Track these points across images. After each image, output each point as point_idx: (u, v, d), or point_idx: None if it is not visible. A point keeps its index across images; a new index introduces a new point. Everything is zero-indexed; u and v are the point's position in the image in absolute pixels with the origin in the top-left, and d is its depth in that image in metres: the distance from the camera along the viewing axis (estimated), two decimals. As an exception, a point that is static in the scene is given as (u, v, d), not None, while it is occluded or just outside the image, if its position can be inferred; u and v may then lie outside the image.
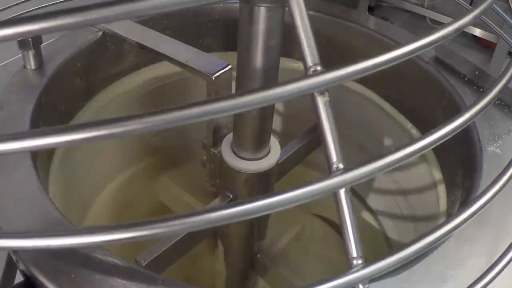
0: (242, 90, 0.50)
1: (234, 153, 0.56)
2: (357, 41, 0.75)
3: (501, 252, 0.34)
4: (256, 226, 0.65)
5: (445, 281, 0.42)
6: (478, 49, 2.25)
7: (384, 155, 0.25)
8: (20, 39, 0.56)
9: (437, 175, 0.64)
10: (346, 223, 0.24)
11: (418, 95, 0.71)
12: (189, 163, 0.87)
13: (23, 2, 0.62)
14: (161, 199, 0.81)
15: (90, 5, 0.20)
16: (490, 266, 0.33)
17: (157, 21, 0.73)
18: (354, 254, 0.24)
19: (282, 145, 0.60)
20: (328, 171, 0.24)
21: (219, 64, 0.55)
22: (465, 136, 0.59)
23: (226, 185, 0.60)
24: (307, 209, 0.82)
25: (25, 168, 0.49)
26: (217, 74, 0.54)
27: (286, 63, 0.78)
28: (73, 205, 0.66)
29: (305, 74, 0.24)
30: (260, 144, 0.55)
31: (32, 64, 0.60)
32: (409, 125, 0.71)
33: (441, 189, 0.62)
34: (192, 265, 0.82)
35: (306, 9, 0.24)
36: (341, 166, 0.24)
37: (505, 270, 0.33)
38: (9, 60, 1.28)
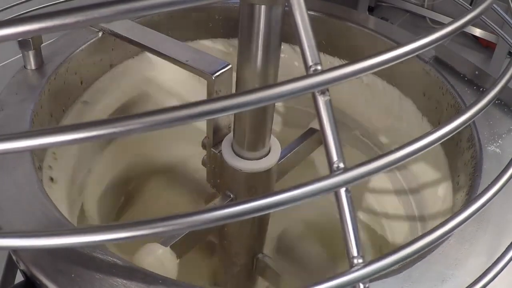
0: (242, 89, 0.51)
1: (235, 152, 0.56)
2: (357, 41, 0.75)
3: (501, 252, 0.34)
4: (256, 226, 0.65)
5: (445, 280, 0.42)
6: (478, 49, 2.25)
7: (385, 154, 0.25)
8: (20, 39, 0.57)
9: (441, 174, 0.64)
10: (346, 223, 0.24)
11: (417, 94, 0.71)
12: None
13: (23, 2, 0.62)
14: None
15: (90, 5, 0.20)
16: (490, 266, 0.33)
17: (157, 21, 0.73)
18: (355, 253, 0.24)
19: (283, 145, 0.60)
20: (329, 170, 0.24)
21: (219, 64, 0.55)
22: (465, 136, 0.59)
23: (226, 185, 0.60)
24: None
25: (25, 168, 0.49)
26: (217, 74, 0.54)
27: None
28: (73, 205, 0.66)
29: (305, 74, 0.24)
30: (260, 143, 0.55)
31: (32, 64, 0.60)
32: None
33: (445, 188, 0.62)
34: (192, 265, 0.82)
35: (306, 9, 0.24)
36: (341, 165, 0.24)
37: (505, 270, 0.33)
38: (9, 60, 1.28)
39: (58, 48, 0.65)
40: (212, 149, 0.60)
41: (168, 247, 0.54)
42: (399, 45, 0.25)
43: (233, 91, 0.57)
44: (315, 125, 0.73)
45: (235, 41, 0.79)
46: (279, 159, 0.58)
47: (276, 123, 0.84)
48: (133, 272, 0.39)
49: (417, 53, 0.25)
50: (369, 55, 0.24)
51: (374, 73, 0.75)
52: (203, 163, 0.64)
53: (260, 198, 0.23)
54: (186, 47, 0.59)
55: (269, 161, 0.56)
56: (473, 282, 0.31)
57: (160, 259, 0.53)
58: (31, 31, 0.20)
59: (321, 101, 0.24)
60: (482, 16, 0.29)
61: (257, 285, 0.73)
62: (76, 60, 0.65)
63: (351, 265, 0.24)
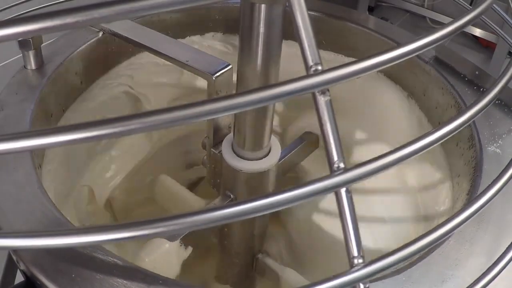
0: (243, 90, 0.51)
1: (235, 153, 0.56)
2: (357, 41, 0.75)
3: (501, 252, 0.34)
4: (256, 226, 0.65)
5: (445, 281, 0.42)
6: (478, 49, 2.25)
7: (385, 154, 0.25)
8: (20, 39, 0.56)
9: (441, 174, 0.64)
10: (346, 223, 0.24)
11: (418, 94, 0.71)
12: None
13: (23, 2, 0.62)
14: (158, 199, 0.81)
15: (90, 5, 0.20)
16: (490, 266, 0.33)
17: (157, 21, 0.73)
18: (355, 253, 0.24)
19: (283, 145, 0.60)
20: (329, 170, 0.24)
21: (220, 64, 0.55)
22: (465, 136, 0.59)
23: (226, 185, 0.60)
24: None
25: (25, 168, 0.49)
26: (217, 74, 0.54)
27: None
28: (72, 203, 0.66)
29: (306, 74, 0.24)
30: (260, 144, 0.55)
31: (32, 64, 0.60)
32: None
33: (445, 188, 0.62)
34: (192, 265, 0.82)
35: (306, 8, 0.24)
36: (342, 165, 0.24)
37: (505, 270, 0.33)
38: (9, 60, 1.28)
39: (58, 48, 0.65)
40: (212, 149, 0.60)
41: (179, 240, 0.54)
42: (399, 45, 0.25)
43: (234, 91, 0.57)
44: (310, 128, 0.73)
45: (235, 41, 0.79)
46: (280, 159, 0.58)
47: (276, 123, 0.84)
48: (133, 272, 0.39)
49: (417, 53, 0.25)
50: (369, 55, 0.24)
51: (379, 72, 0.75)
52: (203, 163, 0.64)
53: (260, 198, 0.23)
54: (187, 47, 0.60)
55: (269, 162, 0.56)
56: (473, 282, 0.31)
57: (168, 253, 0.53)
58: (31, 31, 0.20)
59: (322, 101, 0.24)
60: (482, 16, 0.29)
61: (257, 286, 0.73)
62: (76, 60, 0.65)
63: (351, 265, 0.24)
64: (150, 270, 0.40)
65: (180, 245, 0.58)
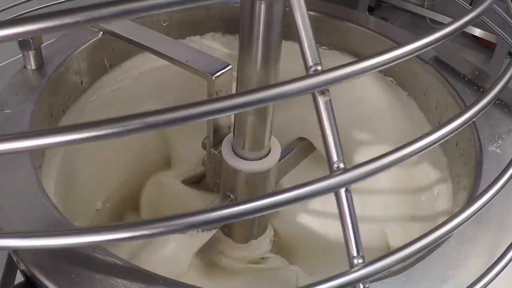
0: (243, 90, 0.51)
1: (235, 153, 0.56)
2: (357, 41, 0.75)
3: (501, 252, 0.34)
4: (256, 226, 0.65)
5: (445, 281, 0.42)
6: (478, 49, 2.25)
7: (385, 154, 0.25)
8: (20, 39, 0.56)
9: (441, 174, 0.64)
10: (346, 223, 0.24)
11: (418, 94, 0.71)
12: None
13: (23, 2, 0.62)
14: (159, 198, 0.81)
15: (90, 5, 0.20)
16: (490, 266, 0.33)
17: (156, 22, 0.73)
18: (355, 253, 0.24)
19: (283, 145, 0.60)
20: (329, 171, 0.24)
21: (220, 64, 0.55)
22: (465, 136, 0.59)
23: (226, 185, 0.60)
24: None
25: (25, 168, 0.49)
26: (217, 74, 0.54)
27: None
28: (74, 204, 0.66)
29: (306, 74, 0.24)
30: (260, 144, 0.55)
31: (32, 64, 0.60)
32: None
33: (445, 188, 0.62)
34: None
35: (306, 8, 0.24)
36: (341, 165, 0.24)
37: (505, 270, 0.33)
38: (9, 60, 1.28)
39: (58, 48, 0.65)
40: (212, 149, 0.60)
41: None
42: (399, 45, 0.25)
43: (234, 91, 0.57)
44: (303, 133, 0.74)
45: (235, 41, 0.79)
46: (280, 159, 0.58)
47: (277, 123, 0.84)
48: (133, 272, 0.39)
49: (417, 53, 0.25)
50: (369, 55, 0.24)
51: (379, 73, 0.74)
52: (203, 163, 0.64)
53: (260, 198, 0.23)
54: (186, 47, 0.60)
55: (269, 162, 0.56)
56: (473, 282, 0.31)
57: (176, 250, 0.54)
58: (31, 31, 0.20)
59: (321, 101, 0.24)
60: (482, 16, 0.29)
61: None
62: (76, 60, 0.65)
63: (351, 265, 0.24)
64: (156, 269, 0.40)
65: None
